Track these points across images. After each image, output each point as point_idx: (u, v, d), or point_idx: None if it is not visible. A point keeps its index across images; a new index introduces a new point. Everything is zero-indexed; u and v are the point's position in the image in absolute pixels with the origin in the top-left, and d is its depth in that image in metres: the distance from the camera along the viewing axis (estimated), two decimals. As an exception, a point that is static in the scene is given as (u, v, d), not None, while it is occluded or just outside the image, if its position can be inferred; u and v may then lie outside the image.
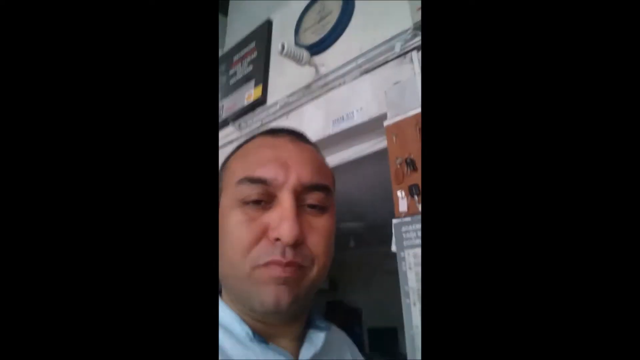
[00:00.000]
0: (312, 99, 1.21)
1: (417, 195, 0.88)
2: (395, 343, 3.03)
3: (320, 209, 0.35)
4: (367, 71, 1.10)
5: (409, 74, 1.03)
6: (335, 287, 3.63)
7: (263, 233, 0.33)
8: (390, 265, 0.90)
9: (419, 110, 0.96)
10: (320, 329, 0.38)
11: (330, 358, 0.38)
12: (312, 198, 0.35)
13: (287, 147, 0.36)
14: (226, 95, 1.54)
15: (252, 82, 1.45)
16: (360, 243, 3.09)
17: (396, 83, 1.05)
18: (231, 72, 1.58)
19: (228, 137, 1.42)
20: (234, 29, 1.77)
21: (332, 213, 0.37)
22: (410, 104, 1.00)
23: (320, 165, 0.38)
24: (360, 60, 1.10)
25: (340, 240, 3.02)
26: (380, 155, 1.11)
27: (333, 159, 1.27)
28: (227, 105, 1.52)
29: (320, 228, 0.35)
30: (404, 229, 0.87)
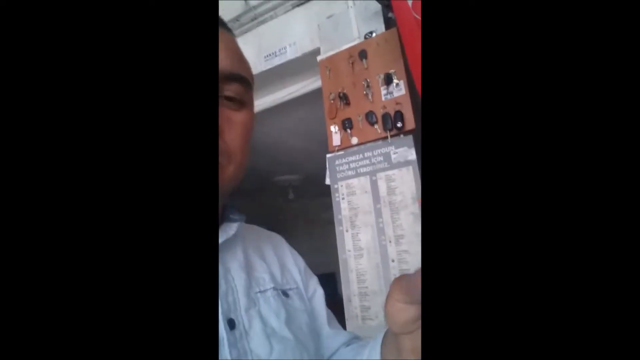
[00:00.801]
0: (242, 33, 1.14)
1: (350, 129, 0.88)
2: (334, 287, 3.20)
3: (238, 102, 0.33)
4: (299, 4, 1.05)
5: (342, 7, 1.00)
6: (276, 239, 3.69)
7: None
8: (328, 216, 0.92)
9: (352, 44, 0.94)
10: (233, 220, 0.37)
11: (244, 245, 0.38)
12: (230, 90, 0.32)
13: None
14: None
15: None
16: (299, 195, 3.13)
17: (329, 17, 1.02)
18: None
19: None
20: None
21: (251, 110, 0.35)
22: (344, 38, 0.98)
23: (239, 56, 0.35)
24: (292, -9, 1.05)
25: (279, 192, 3.04)
26: (314, 97, 1.09)
27: (266, 101, 1.23)
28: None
29: (238, 123, 0.33)
30: (337, 162, 0.88)
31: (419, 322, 0.26)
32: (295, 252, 0.46)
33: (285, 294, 0.38)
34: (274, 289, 0.37)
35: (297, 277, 0.43)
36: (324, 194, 0.90)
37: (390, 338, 0.31)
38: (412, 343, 0.28)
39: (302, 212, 3.61)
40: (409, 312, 0.26)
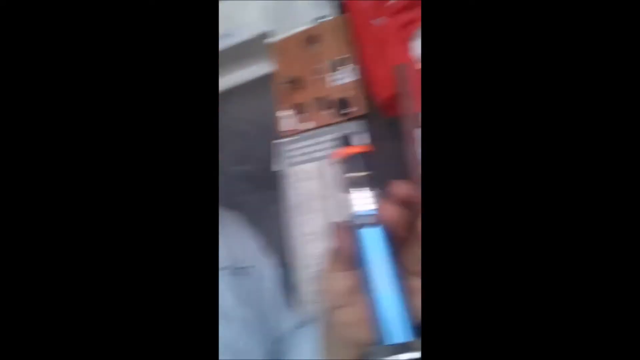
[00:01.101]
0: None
1: (301, 114, 0.87)
2: (288, 278, 3.21)
3: None
4: (250, -16, 1.01)
5: (295, -10, 0.98)
6: (228, 231, 3.61)
7: None
8: (279, 204, 0.90)
9: (306, 26, 0.93)
10: None
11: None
12: None
13: None
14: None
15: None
16: (252, 187, 3.08)
17: (282, -1, 0.99)
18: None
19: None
20: None
21: None
22: (295, 21, 0.96)
23: None
24: (243, -30, 1.00)
25: (232, 184, 2.96)
26: (265, 82, 1.06)
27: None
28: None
29: None
30: (288, 147, 0.87)
31: (354, 294, 0.25)
32: (253, 232, 0.45)
33: (241, 272, 0.37)
34: (230, 267, 0.36)
35: (254, 256, 0.42)
36: (275, 183, 0.89)
37: (327, 315, 0.31)
38: (349, 317, 0.26)
39: (254, 205, 3.56)
40: (340, 280, 0.25)
